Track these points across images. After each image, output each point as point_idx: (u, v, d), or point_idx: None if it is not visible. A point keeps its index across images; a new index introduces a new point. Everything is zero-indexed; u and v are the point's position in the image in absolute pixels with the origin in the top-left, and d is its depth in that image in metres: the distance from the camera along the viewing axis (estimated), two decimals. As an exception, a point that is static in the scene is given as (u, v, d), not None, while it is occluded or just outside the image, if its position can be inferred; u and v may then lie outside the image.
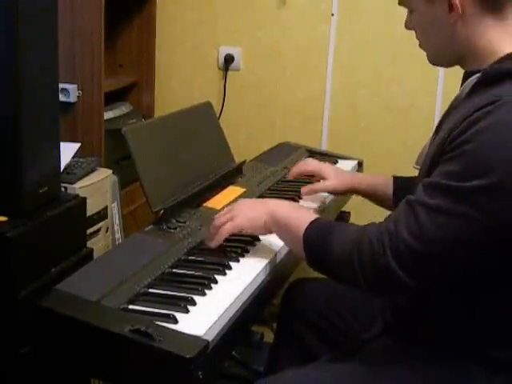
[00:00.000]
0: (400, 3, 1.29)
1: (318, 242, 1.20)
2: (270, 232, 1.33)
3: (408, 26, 1.29)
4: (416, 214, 1.08)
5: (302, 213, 1.30)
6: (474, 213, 1.04)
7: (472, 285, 1.13)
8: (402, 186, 1.56)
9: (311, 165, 1.74)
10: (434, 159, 1.15)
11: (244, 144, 2.51)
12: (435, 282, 1.12)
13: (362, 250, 1.12)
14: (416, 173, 1.35)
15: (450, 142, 1.09)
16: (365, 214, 1.79)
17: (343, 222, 1.24)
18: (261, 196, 1.72)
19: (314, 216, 1.26)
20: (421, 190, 1.11)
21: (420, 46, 1.28)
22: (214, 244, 1.33)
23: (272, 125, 2.64)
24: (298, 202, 1.68)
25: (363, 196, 1.69)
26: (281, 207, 1.32)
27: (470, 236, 1.05)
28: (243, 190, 1.74)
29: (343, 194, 1.71)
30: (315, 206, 1.65)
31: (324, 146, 2.58)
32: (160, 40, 2.66)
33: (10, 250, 1.27)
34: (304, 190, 1.67)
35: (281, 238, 1.32)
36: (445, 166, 1.09)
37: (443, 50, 1.24)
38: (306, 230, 1.22)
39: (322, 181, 1.68)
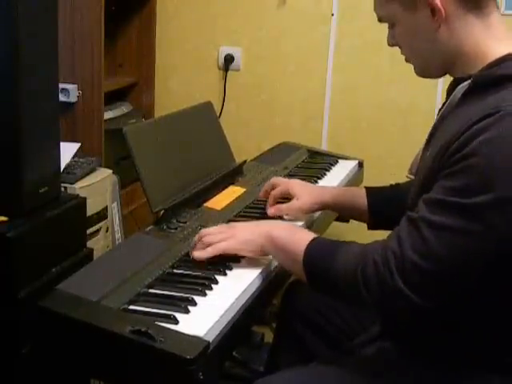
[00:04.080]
0: (380, 20, 1.25)
1: (319, 266, 1.16)
2: (266, 254, 1.30)
3: (391, 42, 1.25)
4: (421, 232, 1.04)
5: (299, 233, 1.26)
6: (481, 229, 1.01)
7: (477, 294, 1.09)
8: (377, 196, 1.53)
9: (278, 183, 1.60)
10: (429, 172, 1.11)
11: (244, 144, 2.51)
12: (447, 300, 1.07)
13: (366, 271, 1.08)
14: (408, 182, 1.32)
15: (450, 156, 1.05)
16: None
17: (342, 242, 1.19)
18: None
19: (311, 236, 1.22)
20: (423, 206, 1.07)
21: (407, 60, 1.25)
22: (199, 257, 1.29)
23: (272, 125, 2.64)
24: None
25: (335, 211, 1.62)
26: (276, 228, 1.28)
27: (478, 252, 1.02)
28: (243, 190, 1.74)
29: (313, 211, 1.58)
30: (302, 222, 1.54)
31: (324, 146, 2.58)
32: (160, 40, 2.66)
33: (10, 250, 1.26)
34: (271, 210, 1.55)
35: (278, 260, 1.29)
36: (447, 181, 1.05)
37: (431, 60, 1.20)
38: (304, 253, 1.18)
39: (294, 199, 1.55)
